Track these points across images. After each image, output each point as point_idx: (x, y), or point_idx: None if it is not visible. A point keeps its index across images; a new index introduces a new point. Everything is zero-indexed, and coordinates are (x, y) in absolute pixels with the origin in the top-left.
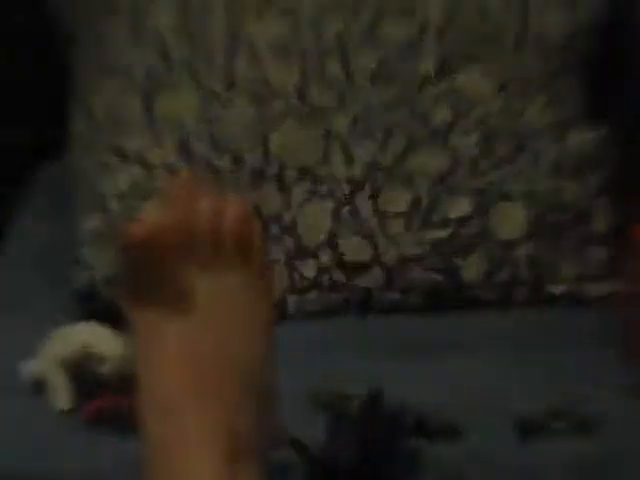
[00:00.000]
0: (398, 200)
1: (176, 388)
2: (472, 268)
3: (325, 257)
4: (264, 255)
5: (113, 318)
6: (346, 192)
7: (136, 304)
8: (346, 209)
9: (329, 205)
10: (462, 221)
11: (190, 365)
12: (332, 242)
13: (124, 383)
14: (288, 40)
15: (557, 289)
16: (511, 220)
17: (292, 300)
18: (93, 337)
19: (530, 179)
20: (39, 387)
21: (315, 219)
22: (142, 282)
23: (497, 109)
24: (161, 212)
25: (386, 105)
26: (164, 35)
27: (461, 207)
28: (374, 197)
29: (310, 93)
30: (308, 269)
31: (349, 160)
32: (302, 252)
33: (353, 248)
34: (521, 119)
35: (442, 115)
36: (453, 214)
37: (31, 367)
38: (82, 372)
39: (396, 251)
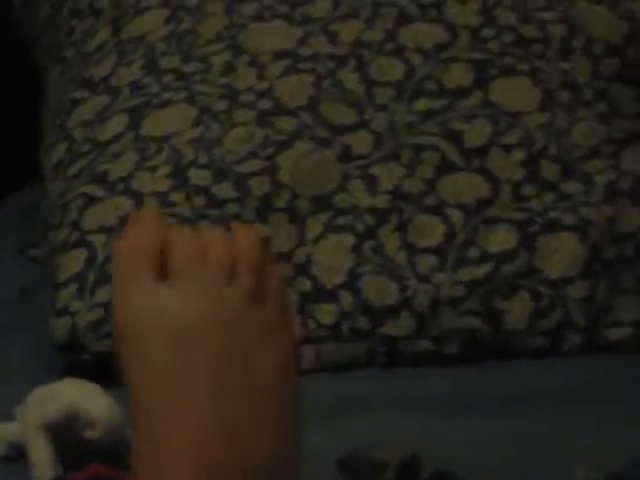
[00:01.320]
0: (429, 232)
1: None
2: (516, 312)
3: (345, 301)
4: (283, 294)
5: (101, 373)
6: (369, 224)
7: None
8: (369, 244)
9: (349, 240)
10: (504, 256)
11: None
12: (353, 283)
13: (115, 450)
14: (296, 49)
15: (615, 334)
16: (560, 255)
17: (307, 351)
18: (79, 396)
19: (581, 207)
20: (17, 455)
21: (333, 256)
22: None
23: (540, 126)
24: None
25: (414, 123)
26: (153, 46)
27: (502, 240)
28: (401, 229)
29: (324, 109)
30: (326, 315)
31: (371, 187)
32: (319, 295)
33: (378, 290)
34: (569, 137)
35: (477, 133)
36: (493, 248)
37: (7, 432)
38: (67, 437)
39: (428, 293)
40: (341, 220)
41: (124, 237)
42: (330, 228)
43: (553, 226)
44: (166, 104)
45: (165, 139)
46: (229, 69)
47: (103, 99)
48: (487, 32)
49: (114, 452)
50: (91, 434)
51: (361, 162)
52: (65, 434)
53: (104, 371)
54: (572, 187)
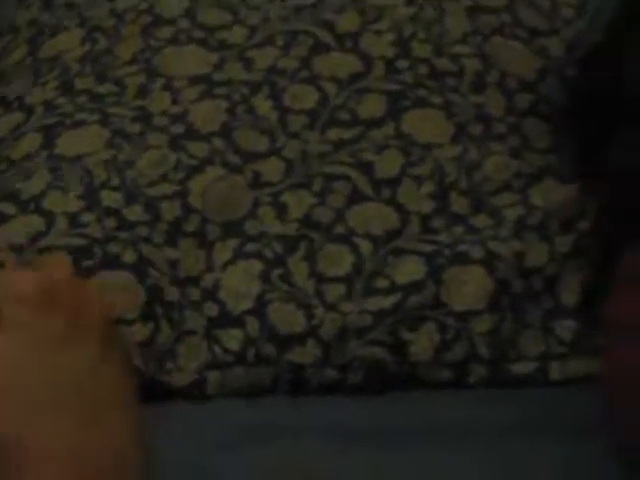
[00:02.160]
0: (338, 262)
1: None
2: (421, 343)
3: (252, 327)
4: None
5: None
6: (278, 251)
7: None
8: (277, 271)
9: (258, 266)
10: (411, 288)
11: None
12: (261, 310)
13: None
14: (211, 74)
15: (520, 369)
16: (468, 288)
17: (212, 377)
18: None
19: (490, 240)
20: None
21: (241, 282)
22: None
23: (452, 159)
24: None
25: (326, 152)
26: (68, 66)
27: (410, 271)
28: (310, 258)
29: (237, 135)
30: (232, 340)
31: (281, 214)
32: (225, 320)
33: (285, 317)
34: (480, 171)
35: (389, 164)
36: (401, 279)
37: None
38: None
39: (334, 322)
40: (250, 247)
41: None
42: (239, 254)
43: (461, 259)
44: (79, 125)
45: (77, 159)
46: (143, 92)
47: (17, 117)
48: (402, 63)
49: None
50: None
51: (272, 189)
52: None
53: None
54: (481, 221)
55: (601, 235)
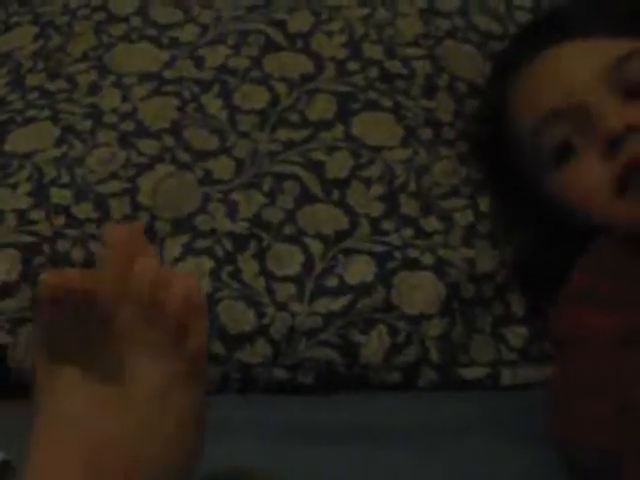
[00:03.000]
0: (288, 261)
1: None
2: (372, 346)
3: None
4: (203, 344)
5: None
6: (228, 249)
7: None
8: (227, 269)
9: (208, 264)
10: (361, 290)
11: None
12: (210, 307)
13: None
14: (161, 71)
15: (470, 374)
16: (419, 292)
17: None
18: None
19: (440, 248)
20: None
21: None
22: (60, 342)
23: (401, 161)
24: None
25: (275, 151)
26: (20, 62)
27: (361, 271)
28: (260, 257)
29: (187, 133)
30: None
31: (232, 212)
32: None
33: (235, 315)
34: (429, 175)
35: (339, 165)
36: (351, 280)
37: None
38: None
39: (284, 321)
40: (200, 243)
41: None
42: (189, 250)
43: (412, 265)
44: (30, 121)
45: (27, 156)
46: (94, 89)
47: None
48: (353, 65)
49: None
50: None
51: (222, 187)
52: None
53: None
54: (432, 224)
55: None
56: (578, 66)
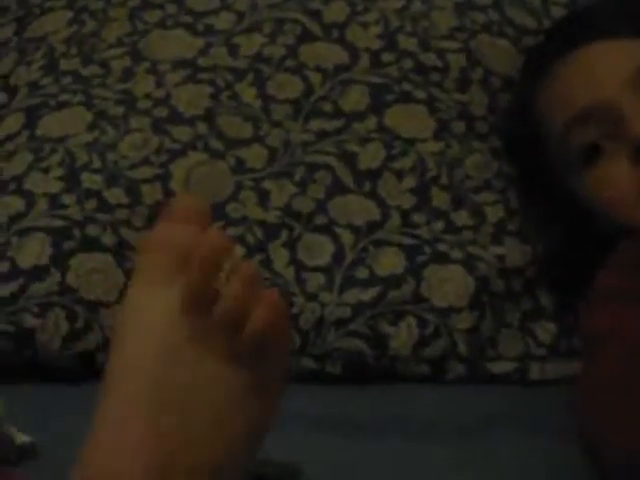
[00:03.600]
0: (318, 252)
1: None
2: (401, 337)
3: None
4: (286, 356)
5: None
6: (259, 237)
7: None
8: (258, 257)
9: (238, 252)
10: (391, 281)
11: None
12: None
13: None
14: (196, 59)
15: (498, 368)
16: (449, 285)
17: None
18: None
19: (469, 242)
20: None
21: None
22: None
23: (433, 154)
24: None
25: (308, 141)
26: (54, 47)
27: (391, 264)
28: (291, 246)
29: (220, 121)
30: None
31: (263, 201)
32: None
33: None
34: (461, 168)
35: (371, 156)
36: (381, 272)
37: None
38: None
39: (314, 311)
40: (232, 231)
41: (152, 233)
42: None
43: (441, 259)
44: (63, 106)
45: (60, 141)
46: (128, 74)
47: (1, 97)
48: (387, 57)
49: None
50: None
51: (254, 175)
52: None
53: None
54: (462, 219)
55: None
56: (608, 67)
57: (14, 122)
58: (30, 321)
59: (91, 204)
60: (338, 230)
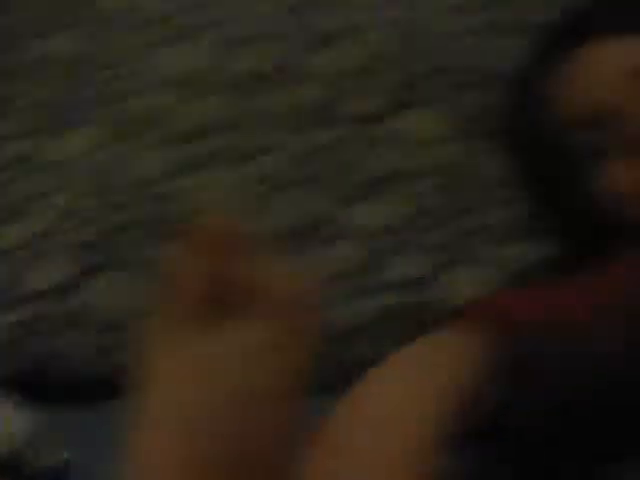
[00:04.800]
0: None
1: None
2: None
3: None
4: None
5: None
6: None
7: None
8: None
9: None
10: (415, 284)
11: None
12: None
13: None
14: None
15: None
16: (476, 287)
17: None
18: None
19: (497, 238)
20: None
21: None
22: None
23: (458, 152)
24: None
25: (323, 147)
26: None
27: (414, 267)
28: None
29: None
30: None
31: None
32: None
33: None
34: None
35: (386, 160)
36: (403, 275)
37: None
38: None
39: (331, 320)
40: None
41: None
42: None
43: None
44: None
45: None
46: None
47: None
48: None
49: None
50: None
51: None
52: None
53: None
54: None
55: None
56: (610, 66)
57: None
58: (53, 341)
59: (120, 218)
60: None
